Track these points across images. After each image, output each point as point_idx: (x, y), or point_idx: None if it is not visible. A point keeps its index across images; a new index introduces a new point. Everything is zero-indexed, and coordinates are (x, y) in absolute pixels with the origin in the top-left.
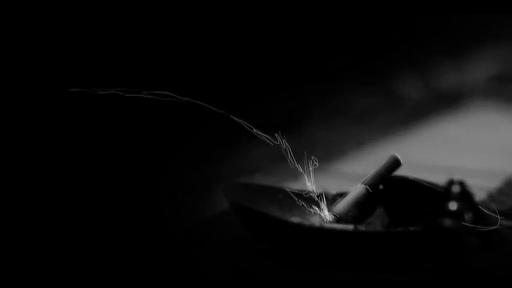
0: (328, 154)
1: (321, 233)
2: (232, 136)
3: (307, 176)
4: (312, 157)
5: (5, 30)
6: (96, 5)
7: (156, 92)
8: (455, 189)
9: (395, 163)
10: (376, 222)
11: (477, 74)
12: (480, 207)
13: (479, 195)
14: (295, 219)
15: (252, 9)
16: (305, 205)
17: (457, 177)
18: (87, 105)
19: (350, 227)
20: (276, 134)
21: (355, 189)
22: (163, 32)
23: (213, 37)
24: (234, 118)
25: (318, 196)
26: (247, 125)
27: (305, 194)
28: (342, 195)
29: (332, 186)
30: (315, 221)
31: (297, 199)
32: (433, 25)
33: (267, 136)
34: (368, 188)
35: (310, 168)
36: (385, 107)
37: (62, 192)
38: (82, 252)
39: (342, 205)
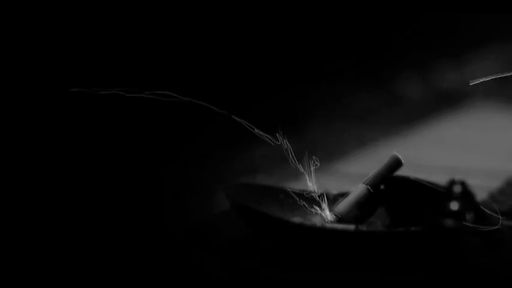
0: (329, 154)
1: (322, 233)
2: (233, 136)
3: (309, 176)
4: (313, 157)
5: (5, 30)
6: (97, 5)
7: (157, 92)
8: (457, 189)
9: (396, 163)
10: (378, 222)
11: (478, 74)
12: (481, 207)
13: (481, 195)
14: (296, 219)
15: (253, 10)
16: (306, 205)
17: (458, 177)
18: (88, 105)
19: (351, 227)
20: (277, 134)
21: (357, 189)
22: (165, 32)
23: (214, 37)
24: (235, 118)
25: (319, 196)
26: (248, 125)
27: (306, 194)
28: (343, 195)
29: (333, 186)
30: (316, 221)
31: (298, 199)
32: (434, 25)
33: (268, 136)
34: (369, 188)
35: (312, 168)
36: (387, 107)
37: (63, 193)
38: (83, 252)
39: (343, 205)
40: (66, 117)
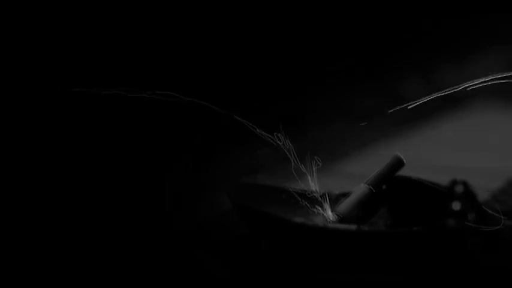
0: (331, 154)
1: (324, 233)
2: (235, 136)
3: (311, 176)
4: (315, 157)
5: (5, 30)
6: (98, 4)
7: (159, 92)
8: (459, 189)
9: (398, 163)
10: (379, 222)
11: (478, 75)
12: (483, 207)
13: (482, 195)
14: (298, 219)
15: (255, 10)
16: (308, 205)
17: (460, 177)
18: (89, 105)
19: (353, 227)
20: (279, 134)
21: (358, 189)
22: (166, 32)
23: (215, 37)
24: (237, 118)
25: (321, 196)
26: (250, 125)
27: (308, 194)
28: (345, 195)
29: (335, 186)
30: (318, 221)
31: (300, 199)
32: (434, 26)
33: (270, 136)
34: (371, 188)
35: (314, 168)
36: (388, 108)
37: (64, 193)
38: (85, 252)
39: (345, 205)
40: (67, 118)
